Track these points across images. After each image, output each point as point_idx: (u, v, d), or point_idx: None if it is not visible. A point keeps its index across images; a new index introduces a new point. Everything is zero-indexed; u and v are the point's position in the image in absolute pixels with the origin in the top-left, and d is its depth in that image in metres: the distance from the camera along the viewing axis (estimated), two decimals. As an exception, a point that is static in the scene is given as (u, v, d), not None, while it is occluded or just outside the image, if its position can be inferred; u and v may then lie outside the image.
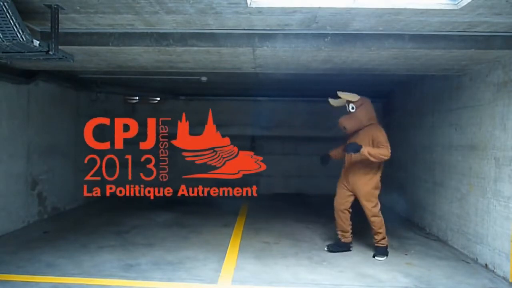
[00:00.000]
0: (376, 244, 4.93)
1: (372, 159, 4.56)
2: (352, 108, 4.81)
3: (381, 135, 4.70)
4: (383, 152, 4.59)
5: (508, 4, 3.00)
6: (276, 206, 8.09)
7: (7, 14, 2.86)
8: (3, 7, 2.81)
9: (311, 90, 7.70)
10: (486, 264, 4.56)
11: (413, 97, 6.98)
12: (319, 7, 3.11)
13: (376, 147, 4.62)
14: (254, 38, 3.91)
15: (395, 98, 8.08)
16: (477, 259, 4.76)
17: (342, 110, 4.97)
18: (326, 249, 5.08)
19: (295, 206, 7.95)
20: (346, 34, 3.85)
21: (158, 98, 9.09)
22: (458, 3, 3.02)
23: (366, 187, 4.80)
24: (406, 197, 7.15)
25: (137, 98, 8.83)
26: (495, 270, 4.39)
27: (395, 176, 7.83)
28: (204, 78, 6.43)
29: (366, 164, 4.74)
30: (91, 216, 6.92)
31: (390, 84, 7.36)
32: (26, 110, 5.97)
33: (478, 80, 4.88)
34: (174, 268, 4.38)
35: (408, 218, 7.02)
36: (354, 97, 4.78)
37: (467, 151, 5.04)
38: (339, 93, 4.78)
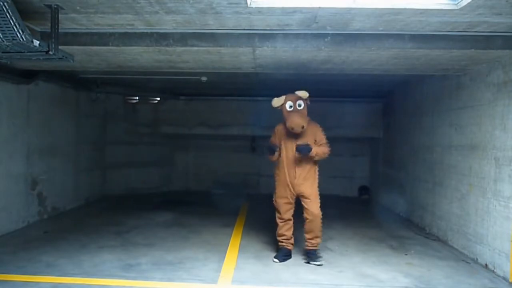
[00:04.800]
0: (311, 248, 4.67)
1: (316, 158, 4.61)
2: (299, 106, 4.57)
3: (322, 133, 4.70)
4: (326, 150, 4.63)
5: (508, 4, 3.00)
6: (276, 206, 8.09)
7: (7, 14, 2.86)
8: (3, 7, 2.81)
9: (311, 90, 7.70)
10: (486, 264, 4.56)
11: (413, 97, 6.98)
12: (319, 7, 3.11)
13: (318, 145, 4.62)
14: (254, 38, 3.91)
15: (395, 98, 8.08)
16: (477, 259, 4.76)
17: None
18: (276, 260, 4.67)
19: (295, 206, 7.91)
20: (346, 34, 3.85)
21: (158, 98, 9.10)
22: (458, 3, 3.02)
23: (313, 186, 4.66)
24: (406, 197, 7.15)
25: (137, 98, 8.83)
26: (495, 270, 4.39)
27: (395, 176, 7.83)
28: (204, 78, 6.43)
29: (309, 164, 4.65)
30: (91, 216, 6.92)
31: (390, 84, 7.36)
32: (26, 110, 5.97)
33: (478, 80, 4.88)
34: (174, 268, 4.38)
35: (408, 218, 7.02)
36: (305, 93, 4.59)
37: (467, 151, 5.05)
38: (298, 92, 4.58)
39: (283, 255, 4.74)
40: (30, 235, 5.56)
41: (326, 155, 4.66)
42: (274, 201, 4.87)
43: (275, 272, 4.35)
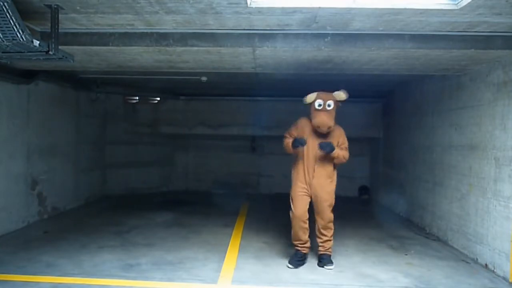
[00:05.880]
0: (324, 252, 4.58)
1: (336, 160, 4.52)
2: (329, 106, 4.42)
3: (345, 137, 4.60)
4: (346, 155, 4.53)
5: (508, 4, 3.00)
6: (276, 206, 8.09)
7: (7, 14, 2.86)
8: (3, 7, 2.81)
9: (311, 90, 7.71)
10: (486, 264, 4.56)
11: (413, 97, 6.98)
12: (319, 7, 3.11)
13: (340, 148, 4.52)
14: (254, 38, 3.91)
15: (395, 98, 8.08)
16: (477, 259, 4.76)
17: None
18: (290, 266, 4.50)
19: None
20: (346, 34, 3.85)
21: (158, 98, 9.10)
22: (458, 3, 3.02)
23: (330, 190, 4.53)
24: (406, 197, 7.15)
25: (137, 98, 8.84)
26: (495, 270, 4.39)
27: (395, 176, 7.83)
28: (204, 78, 6.43)
29: (329, 166, 4.55)
30: (91, 216, 6.92)
31: (390, 84, 7.36)
32: (26, 110, 5.97)
33: (478, 80, 4.88)
34: (174, 268, 4.38)
35: (408, 218, 7.02)
36: (343, 96, 4.46)
37: (467, 151, 5.04)
38: (336, 94, 4.43)
39: (298, 259, 4.56)
40: (30, 235, 5.56)
41: (344, 161, 4.54)
42: (290, 202, 4.63)
43: (275, 272, 4.34)
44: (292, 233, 4.64)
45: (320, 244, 4.60)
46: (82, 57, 4.61)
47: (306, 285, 4.02)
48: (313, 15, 3.34)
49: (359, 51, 4.17)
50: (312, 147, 4.52)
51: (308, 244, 4.65)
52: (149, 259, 4.63)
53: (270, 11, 3.25)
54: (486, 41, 3.83)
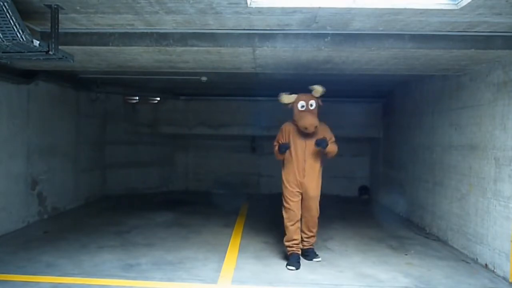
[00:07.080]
0: (310, 247, 4.75)
1: (329, 155, 4.66)
2: (311, 106, 4.53)
3: (331, 132, 4.71)
4: (336, 149, 4.67)
5: (508, 4, 3.00)
6: (276, 206, 8.08)
7: (7, 14, 2.86)
8: (3, 7, 2.81)
9: (311, 90, 7.71)
10: (486, 264, 4.56)
11: (413, 97, 6.98)
12: (319, 7, 3.11)
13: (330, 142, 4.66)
14: (254, 38, 3.91)
15: (395, 98, 8.08)
16: (477, 259, 4.76)
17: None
18: (292, 268, 4.44)
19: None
20: (346, 34, 3.85)
21: (158, 98, 9.10)
22: (458, 3, 3.02)
23: (318, 187, 4.67)
24: (406, 197, 7.15)
25: (137, 98, 8.84)
26: (495, 270, 4.39)
27: (395, 176, 7.83)
28: (204, 78, 6.43)
29: (317, 164, 4.65)
30: (91, 216, 6.92)
31: (390, 84, 7.36)
32: (26, 110, 5.97)
33: (478, 80, 4.89)
34: (174, 268, 4.38)
35: (408, 218, 7.02)
36: (320, 89, 4.52)
37: (467, 151, 5.05)
38: (315, 87, 4.51)
39: (297, 261, 4.54)
40: (30, 235, 5.56)
41: (335, 153, 4.68)
42: (284, 203, 4.68)
43: (275, 272, 4.34)
44: (287, 234, 4.64)
45: (306, 239, 4.73)
46: (82, 57, 4.61)
47: (306, 285, 4.02)
48: (313, 15, 3.34)
49: (359, 51, 4.17)
50: (300, 148, 4.61)
51: (300, 244, 4.70)
52: (149, 259, 4.63)
53: (270, 11, 3.25)
54: (486, 41, 3.83)
